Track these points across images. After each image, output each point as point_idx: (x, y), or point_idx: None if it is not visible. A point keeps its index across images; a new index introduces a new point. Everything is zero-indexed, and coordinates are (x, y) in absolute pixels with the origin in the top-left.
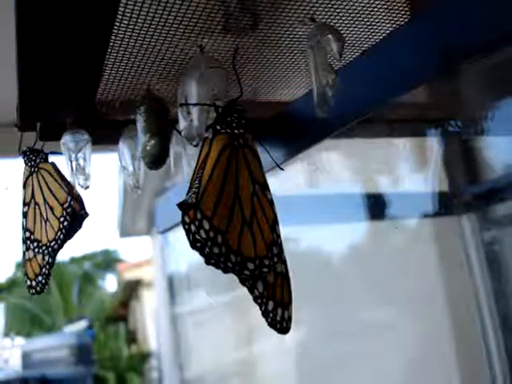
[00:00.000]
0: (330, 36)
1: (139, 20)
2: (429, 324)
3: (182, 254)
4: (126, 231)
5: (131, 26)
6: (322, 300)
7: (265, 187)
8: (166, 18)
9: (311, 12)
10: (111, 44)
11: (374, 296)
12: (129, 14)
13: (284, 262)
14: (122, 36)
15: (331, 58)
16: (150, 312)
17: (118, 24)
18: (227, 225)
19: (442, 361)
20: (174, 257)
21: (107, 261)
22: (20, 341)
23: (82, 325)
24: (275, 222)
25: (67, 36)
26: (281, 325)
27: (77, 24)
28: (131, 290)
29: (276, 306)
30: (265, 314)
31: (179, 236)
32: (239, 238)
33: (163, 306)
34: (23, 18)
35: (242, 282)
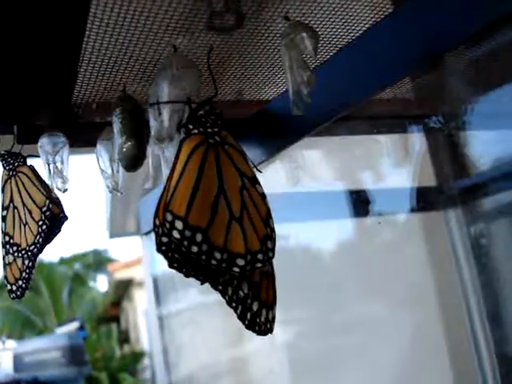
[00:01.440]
0: (303, 34)
1: (110, 21)
2: (418, 317)
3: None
4: (115, 231)
5: (103, 27)
6: (311, 297)
7: (254, 181)
8: (137, 18)
9: (285, 10)
10: (84, 45)
11: (363, 292)
12: (100, 15)
13: (270, 262)
14: (94, 37)
15: (307, 56)
16: (142, 311)
17: (89, 25)
18: (209, 222)
19: (432, 353)
20: (159, 257)
21: (98, 261)
22: (11, 343)
23: (73, 326)
24: (269, 216)
25: (40, 38)
26: (265, 326)
27: (49, 26)
28: (122, 289)
29: (261, 307)
30: (241, 317)
31: None
32: (226, 234)
33: (153, 305)
34: None
35: (214, 286)
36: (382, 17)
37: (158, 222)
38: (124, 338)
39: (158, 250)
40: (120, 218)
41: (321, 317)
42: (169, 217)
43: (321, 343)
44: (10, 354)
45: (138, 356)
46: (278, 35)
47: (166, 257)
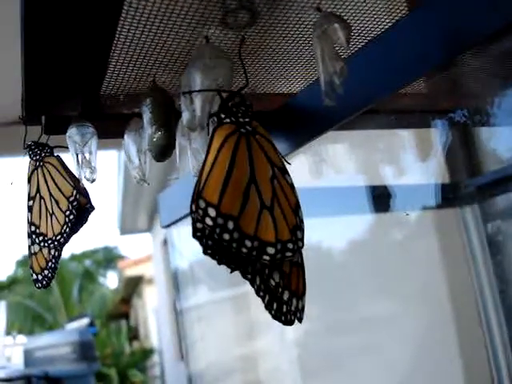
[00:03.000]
0: (336, 25)
1: (145, 11)
2: (431, 316)
3: (185, 249)
4: (126, 228)
5: (137, 18)
6: (325, 293)
7: (284, 171)
8: (172, 8)
9: (317, 1)
10: (117, 36)
11: (378, 289)
12: (135, 5)
13: (300, 252)
14: (127, 28)
15: (338, 47)
16: (152, 308)
17: (124, 16)
18: (240, 210)
19: (445, 353)
20: (178, 252)
21: (108, 258)
22: (22, 339)
23: (83, 322)
24: (298, 206)
25: (73, 28)
26: (294, 315)
27: (83, 16)
28: (132, 286)
29: (291, 296)
30: (268, 306)
31: (182, 230)
32: (257, 223)
33: (164, 302)
34: (29, 12)
35: (244, 274)
36: (408, 11)
37: (194, 208)
38: (133, 335)
39: (194, 235)
40: (131, 216)
41: (334, 314)
42: (202, 204)
43: (333, 341)
44: (20, 350)
45: (147, 353)
46: (309, 26)
47: (201, 243)
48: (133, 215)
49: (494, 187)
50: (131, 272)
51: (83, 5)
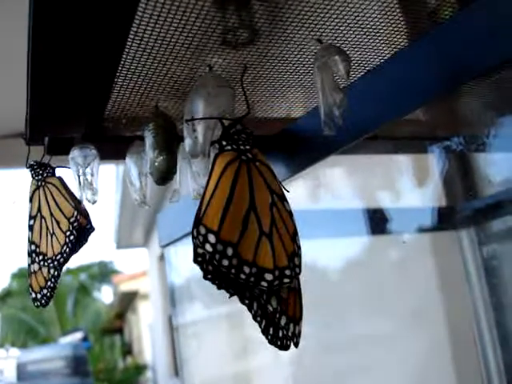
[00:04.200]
0: (336, 57)
1: (150, 39)
2: (427, 338)
3: (181, 268)
4: (122, 242)
5: (142, 46)
6: (320, 313)
7: (283, 198)
8: (176, 38)
9: (317, 31)
10: (122, 62)
11: (374, 310)
12: (141, 33)
13: (297, 278)
14: (133, 55)
15: (338, 78)
16: (146, 324)
17: (129, 44)
18: (239, 237)
19: (439, 375)
20: (174, 270)
21: (103, 272)
22: (15, 352)
23: (77, 336)
24: (295, 233)
25: (80, 52)
26: (291, 340)
27: (90, 41)
28: (127, 301)
29: (288, 322)
30: (265, 331)
31: (179, 250)
32: (255, 249)
33: (159, 318)
34: (37, 34)
35: (242, 299)
36: (407, 43)
37: (195, 234)
38: (127, 351)
39: (195, 260)
40: (127, 230)
41: (329, 333)
42: (202, 230)
43: (327, 360)
44: (13, 363)
45: (140, 368)
46: (310, 56)
47: (202, 268)
48: (129, 230)
49: (489, 211)
50: (126, 287)
51: (91, 30)
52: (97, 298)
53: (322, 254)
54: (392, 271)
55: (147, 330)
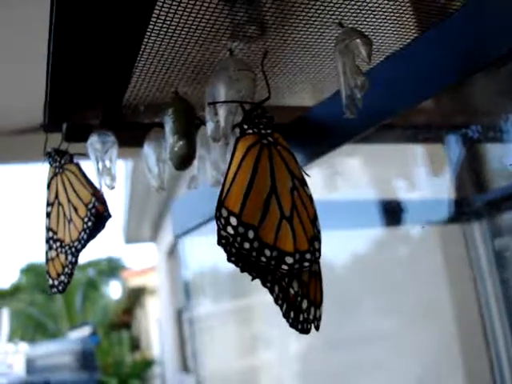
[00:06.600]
0: (358, 40)
1: (172, 23)
2: (436, 333)
3: (196, 259)
4: (131, 237)
5: (164, 30)
6: (328, 308)
7: (303, 182)
8: (198, 21)
9: (338, 15)
10: (143, 47)
11: (382, 304)
12: (163, 18)
13: (317, 262)
14: (154, 39)
15: (360, 61)
16: (154, 319)
17: (151, 27)
18: (260, 220)
19: (449, 371)
20: (188, 261)
21: (111, 268)
22: (24, 346)
23: (85, 331)
24: (316, 217)
25: (100, 39)
26: (312, 323)
27: (110, 27)
28: (135, 297)
29: (310, 305)
30: (286, 315)
31: (195, 240)
32: (276, 233)
33: (167, 313)
34: (58, 22)
35: (263, 283)
36: (427, 29)
37: (218, 215)
38: (135, 345)
39: (219, 243)
40: (136, 225)
41: (337, 329)
42: (224, 212)
43: (335, 356)
44: (22, 357)
45: (148, 363)
46: (330, 41)
47: (225, 250)
48: (138, 224)
49: (502, 203)
50: (134, 282)
51: (111, 16)
52: (105, 294)
53: (327, 246)
54: (401, 264)
55: (155, 325)
